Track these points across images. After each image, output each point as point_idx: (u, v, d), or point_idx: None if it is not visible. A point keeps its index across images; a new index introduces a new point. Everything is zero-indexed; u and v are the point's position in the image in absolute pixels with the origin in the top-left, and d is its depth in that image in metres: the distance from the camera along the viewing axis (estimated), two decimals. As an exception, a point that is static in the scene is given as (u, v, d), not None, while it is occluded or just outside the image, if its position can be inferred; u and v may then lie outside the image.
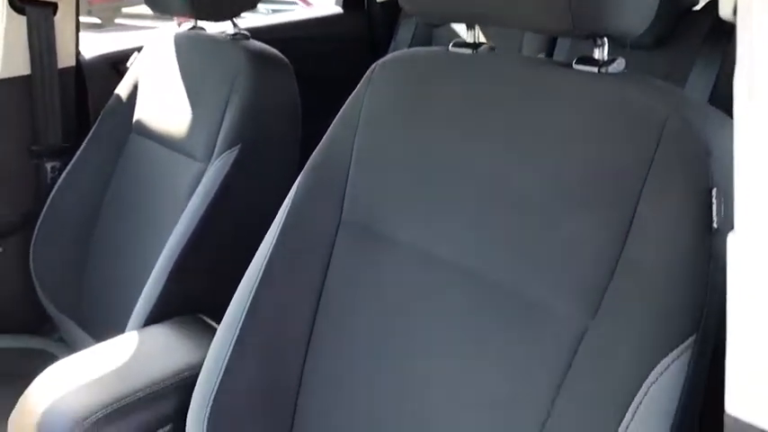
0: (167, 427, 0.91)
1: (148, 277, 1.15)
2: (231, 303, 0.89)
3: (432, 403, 0.74)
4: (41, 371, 1.38)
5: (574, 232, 0.67)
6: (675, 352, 0.58)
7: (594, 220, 0.66)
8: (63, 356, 1.42)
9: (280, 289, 0.87)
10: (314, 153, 0.89)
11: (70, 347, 1.44)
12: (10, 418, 0.93)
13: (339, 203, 0.85)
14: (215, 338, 0.88)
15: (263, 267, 0.87)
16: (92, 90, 1.55)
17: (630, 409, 0.60)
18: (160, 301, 1.11)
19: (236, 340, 0.85)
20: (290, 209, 0.89)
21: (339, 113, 0.88)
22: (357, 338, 0.81)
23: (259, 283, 0.87)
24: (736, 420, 0.42)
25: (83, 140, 1.41)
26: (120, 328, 1.14)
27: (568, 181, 0.67)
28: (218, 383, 0.85)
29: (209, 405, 0.85)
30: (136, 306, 1.14)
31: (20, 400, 0.93)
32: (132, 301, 1.17)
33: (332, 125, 0.88)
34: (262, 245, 0.89)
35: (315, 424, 0.83)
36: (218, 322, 1.05)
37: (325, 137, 0.89)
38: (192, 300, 1.11)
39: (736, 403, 0.43)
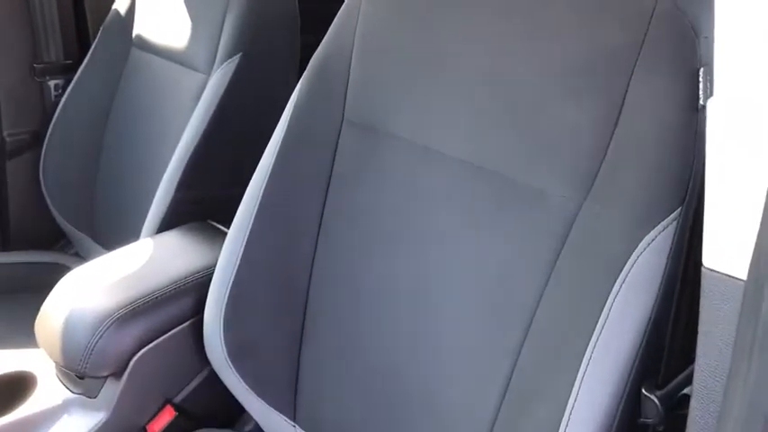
0: (186, 323, 0.96)
1: (157, 188, 1.19)
2: (241, 204, 0.93)
3: (432, 289, 0.78)
4: (57, 281, 1.43)
5: (568, 117, 0.69)
6: (663, 224, 0.62)
7: (588, 104, 0.68)
8: (75, 267, 1.48)
9: (286, 189, 0.90)
10: (314, 55, 0.91)
11: (86, 261, 1.49)
12: (35, 325, 0.98)
13: (341, 102, 0.87)
14: (228, 236, 0.92)
15: (270, 169, 0.90)
16: (90, 6, 1.55)
17: (618, 281, 0.64)
18: (170, 210, 1.15)
19: (248, 237, 0.90)
20: (293, 111, 0.91)
21: (338, 13, 0.89)
22: (362, 230, 0.85)
23: (266, 185, 0.91)
24: (711, 271, 0.46)
25: (84, 58, 1.43)
26: (133, 239, 1.18)
27: (562, 67, 0.70)
28: (232, 277, 0.90)
29: (225, 298, 0.90)
30: (147, 216, 1.18)
31: (43, 306, 0.98)
32: (143, 213, 1.20)
33: (331, 25, 0.90)
34: (267, 147, 0.92)
35: (324, 311, 0.88)
36: (228, 227, 1.09)
37: (325, 38, 0.90)
38: (201, 207, 1.15)
39: (711, 257, 0.46)
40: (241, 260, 0.90)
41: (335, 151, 0.88)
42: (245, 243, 0.91)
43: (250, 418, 0.98)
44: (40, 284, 1.43)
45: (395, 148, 0.83)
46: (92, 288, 0.96)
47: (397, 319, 0.81)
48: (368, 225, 0.85)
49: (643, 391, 0.62)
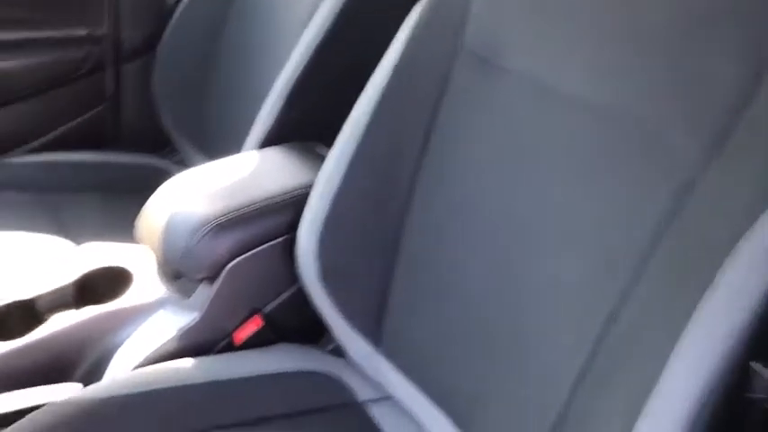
0: (281, 239, 0.98)
1: (264, 103, 1.19)
2: (346, 126, 0.92)
3: (538, 230, 0.76)
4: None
5: (708, 65, 0.64)
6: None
7: (733, 55, 0.63)
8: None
9: (393, 116, 0.89)
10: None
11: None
12: (138, 223, 1.01)
13: (458, 32, 0.84)
14: (330, 156, 0.92)
15: (380, 95, 0.89)
16: None
17: (739, 247, 0.60)
18: (275, 127, 1.15)
19: (351, 159, 0.89)
20: (408, 37, 0.89)
21: None
22: (466, 165, 0.83)
23: (374, 110, 0.89)
24: None
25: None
26: (236, 152, 1.20)
27: (707, 8, 0.64)
28: (331, 198, 0.90)
29: (322, 219, 0.91)
30: (251, 131, 1.19)
31: (144, 207, 1.01)
32: (249, 127, 1.22)
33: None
34: (376, 74, 0.90)
35: (419, 244, 0.87)
36: (328, 149, 1.09)
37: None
38: (306, 127, 1.15)
39: None
40: (342, 182, 0.90)
41: (447, 82, 0.85)
42: (347, 165, 0.90)
43: (333, 338, 0.99)
44: (142, 187, 1.48)
45: (510, 82, 0.80)
46: (194, 193, 0.99)
47: (496, 260, 0.79)
48: (474, 160, 0.82)
49: (752, 364, 0.58)
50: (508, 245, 0.78)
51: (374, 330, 0.92)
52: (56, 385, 0.93)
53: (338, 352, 1.00)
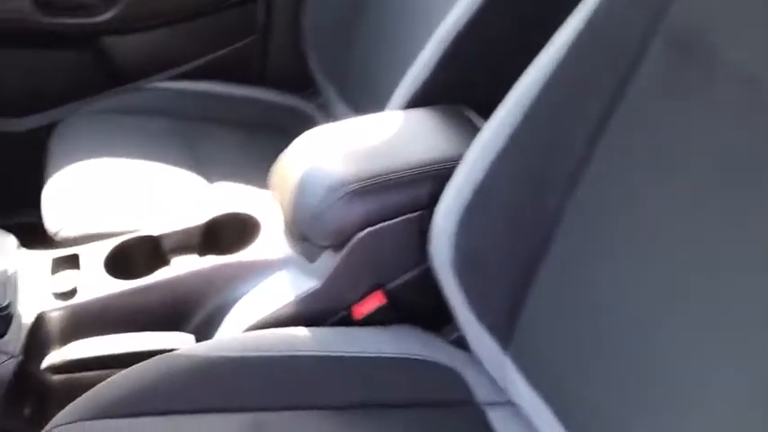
0: (415, 214, 0.90)
1: (415, 59, 1.10)
2: (506, 101, 0.81)
3: (724, 258, 0.63)
4: (299, 130, 1.43)
5: None
6: None
7: None
8: (321, 121, 1.48)
9: (566, 94, 0.77)
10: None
11: (329, 115, 1.48)
12: (271, 174, 0.96)
13: (662, 7, 0.71)
14: (483, 132, 0.82)
15: (551, 72, 0.77)
16: None
17: None
18: (424, 87, 1.06)
19: (507, 141, 0.79)
20: (596, 7, 0.76)
21: None
22: (647, 167, 0.71)
23: (542, 89, 0.78)
24: None
25: None
26: (379, 106, 1.12)
27: None
28: (479, 180, 0.80)
29: (465, 201, 0.81)
30: (398, 87, 1.11)
31: (279, 159, 0.96)
32: (395, 82, 1.13)
33: None
34: (553, 43, 0.79)
35: (571, 247, 0.77)
36: (482, 118, 0.99)
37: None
38: (457, 90, 1.05)
39: None
40: (492, 164, 0.80)
41: (637, 65, 0.72)
42: (506, 141, 0.80)
43: (457, 327, 0.91)
44: (282, 127, 1.45)
45: (720, 74, 0.66)
46: (330, 153, 0.92)
47: (671, 281, 0.67)
48: (661, 157, 0.70)
49: None
50: (689, 266, 0.66)
51: (504, 331, 0.83)
52: (169, 334, 0.91)
53: (461, 343, 0.92)
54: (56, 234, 1.09)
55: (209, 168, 1.26)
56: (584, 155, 0.74)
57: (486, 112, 0.86)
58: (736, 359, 0.61)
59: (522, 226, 0.80)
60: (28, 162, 1.27)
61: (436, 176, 0.89)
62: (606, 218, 0.74)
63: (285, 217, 0.91)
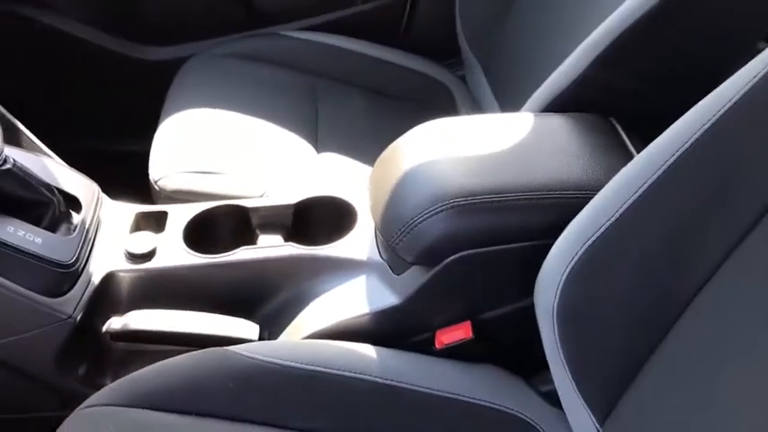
0: (524, 244, 0.76)
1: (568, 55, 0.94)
2: (668, 130, 0.65)
3: None
4: (433, 102, 1.30)
5: None
6: None
7: None
8: (459, 97, 1.35)
9: (733, 150, 0.61)
10: None
11: (468, 89, 1.34)
12: (374, 167, 0.85)
13: None
14: (630, 167, 0.66)
15: (726, 108, 0.61)
16: None
17: None
18: (571, 88, 0.90)
19: (652, 184, 0.63)
20: None
21: None
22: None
23: (711, 126, 0.62)
24: None
25: None
26: (519, 99, 0.98)
27: None
28: (613, 219, 0.65)
29: (585, 246, 0.67)
30: (542, 85, 0.95)
31: (385, 152, 0.85)
32: (545, 70, 0.98)
33: None
34: (740, 75, 0.62)
35: (695, 341, 0.61)
36: (634, 139, 0.83)
37: None
38: (608, 98, 0.89)
39: None
40: (636, 203, 0.65)
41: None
42: (644, 189, 0.64)
43: (550, 380, 0.78)
44: (411, 95, 1.33)
45: None
46: (444, 155, 0.80)
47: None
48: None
49: None
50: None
51: (602, 406, 0.70)
52: (234, 321, 0.84)
53: (553, 397, 0.79)
54: (156, 182, 1.05)
55: (323, 134, 1.17)
56: (733, 238, 0.58)
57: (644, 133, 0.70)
58: None
59: (650, 295, 0.65)
60: (152, 93, 1.24)
61: (561, 206, 0.75)
62: (740, 311, 0.58)
63: (374, 220, 0.80)
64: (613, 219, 0.66)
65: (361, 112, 1.25)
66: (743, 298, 0.59)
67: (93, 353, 0.84)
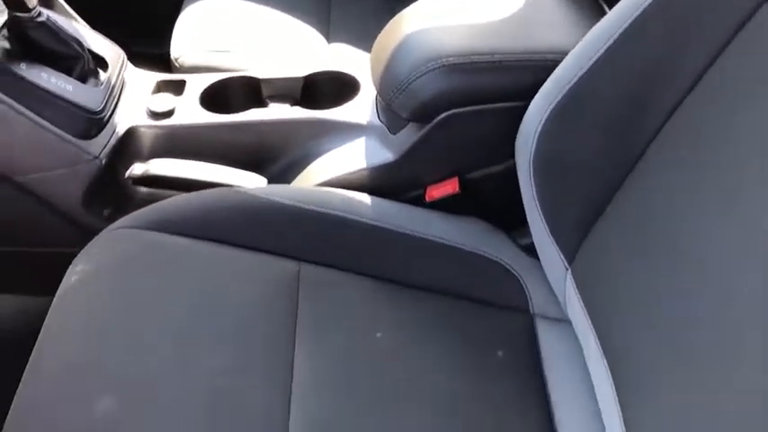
0: (509, 104, 0.83)
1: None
2: None
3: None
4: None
5: None
6: None
7: None
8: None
9: (686, 17, 0.67)
10: None
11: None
12: (378, 37, 0.92)
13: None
14: (598, 23, 0.73)
15: None
16: None
17: None
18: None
19: (618, 39, 0.70)
20: None
21: None
22: (747, 121, 0.60)
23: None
24: None
25: None
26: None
27: None
28: (578, 78, 0.72)
29: (562, 97, 0.74)
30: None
31: (394, 18, 0.91)
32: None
33: None
34: None
35: (653, 183, 0.69)
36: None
37: None
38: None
39: None
40: (597, 63, 0.72)
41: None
42: (612, 44, 0.71)
43: (527, 234, 0.86)
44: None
45: None
46: (439, 22, 0.86)
47: (739, 233, 0.59)
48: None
49: None
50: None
51: (571, 246, 0.78)
52: (246, 173, 0.92)
53: (531, 250, 0.87)
54: (176, 59, 1.12)
55: (335, 26, 1.24)
56: (681, 93, 0.65)
57: None
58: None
59: (614, 141, 0.72)
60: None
61: (542, 68, 0.82)
62: (697, 155, 0.65)
63: (374, 82, 0.88)
64: (581, 73, 0.73)
65: (374, 10, 1.31)
66: (686, 155, 0.66)
67: (116, 197, 0.93)
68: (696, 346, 0.59)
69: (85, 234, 0.83)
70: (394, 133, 0.89)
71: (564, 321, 0.83)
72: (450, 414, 0.71)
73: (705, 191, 0.63)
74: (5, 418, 0.64)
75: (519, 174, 0.80)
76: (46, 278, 0.77)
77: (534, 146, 0.77)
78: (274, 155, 0.95)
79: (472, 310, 0.83)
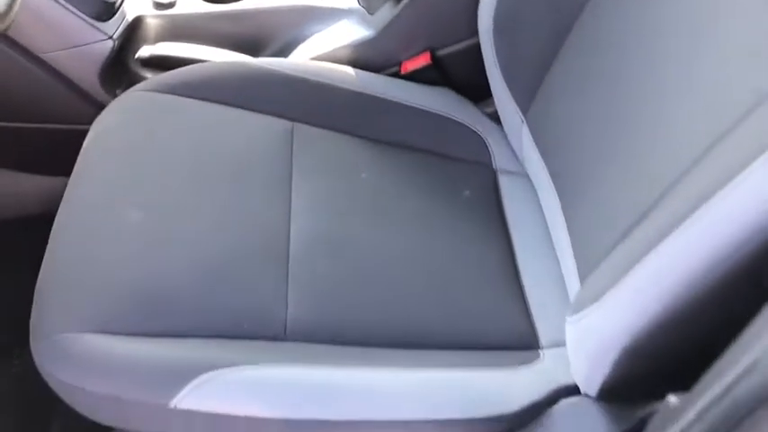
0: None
1: None
2: None
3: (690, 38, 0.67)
4: None
5: None
6: None
7: None
8: None
9: None
10: None
11: None
12: None
13: None
14: None
15: None
16: None
17: None
18: None
19: None
20: None
21: None
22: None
23: None
24: None
25: None
26: None
27: None
28: None
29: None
30: None
31: None
32: None
33: None
34: None
35: (586, 34, 0.82)
36: None
37: None
38: None
39: None
40: None
41: None
42: None
43: (491, 104, 0.99)
44: None
45: None
46: None
47: (649, 53, 0.72)
48: None
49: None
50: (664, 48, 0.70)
51: (525, 100, 0.91)
52: (245, 56, 1.04)
53: (495, 117, 1.01)
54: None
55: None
56: None
57: None
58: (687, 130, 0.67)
59: (556, 3, 0.85)
60: None
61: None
62: (623, 13, 0.78)
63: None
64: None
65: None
66: (613, 14, 0.79)
67: (128, 79, 1.04)
68: (620, 154, 0.73)
69: (100, 111, 0.94)
70: (372, 13, 1.01)
71: (522, 175, 0.97)
72: (423, 228, 0.85)
73: (630, 44, 0.76)
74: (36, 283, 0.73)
75: (481, 37, 0.93)
76: (65, 158, 0.87)
77: (494, 10, 0.90)
78: (267, 40, 1.07)
79: (442, 163, 0.96)
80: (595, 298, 0.59)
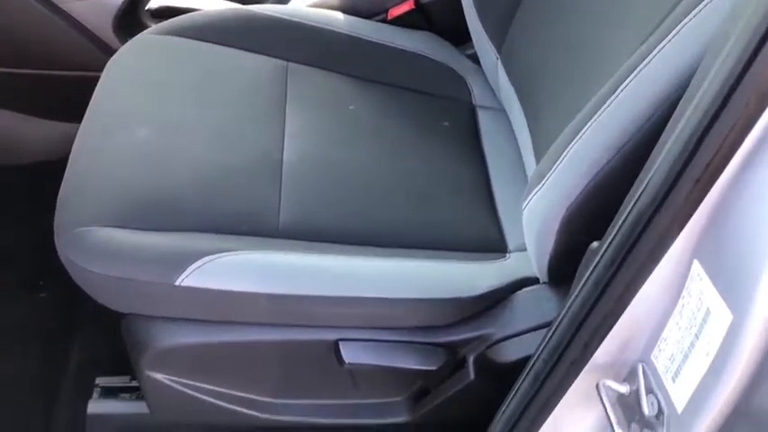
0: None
1: None
2: None
3: None
4: None
5: None
6: None
7: None
8: None
9: None
10: None
11: None
12: None
13: None
14: None
15: None
16: None
17: None
18: None
19: None
20: None
21: None
22: None
23: None
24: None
25: None
26: None
27: None
28: None
29: None
30: None
31: None
32: None
33: None
34: None
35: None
36: None
37: None
38: None
39: None
40: None
41: None
42: None
43: (470, 47, 1.08)
44: None
45: None
46: None
47: None
48: None
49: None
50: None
51: (499, 38, 1.00)
52: (238, 4, 1.13)
53: (474, 59, 1.10)
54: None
55: None
56: None
57: None
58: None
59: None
60: None
61: None
62: None
63: None
64: None
65: None
66: None
67: (139, 28, 1.13)
68: (576, 73, 0.82)
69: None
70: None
71: (500, 110, 1.05)
72: (404, 150, 0.95)
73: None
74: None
75: None
76: (81, 103, 0.92)
77: None
78: (265, -6, 1.17)
79: (424, 98, 1.05)
80: (539, 180, 0.68)
